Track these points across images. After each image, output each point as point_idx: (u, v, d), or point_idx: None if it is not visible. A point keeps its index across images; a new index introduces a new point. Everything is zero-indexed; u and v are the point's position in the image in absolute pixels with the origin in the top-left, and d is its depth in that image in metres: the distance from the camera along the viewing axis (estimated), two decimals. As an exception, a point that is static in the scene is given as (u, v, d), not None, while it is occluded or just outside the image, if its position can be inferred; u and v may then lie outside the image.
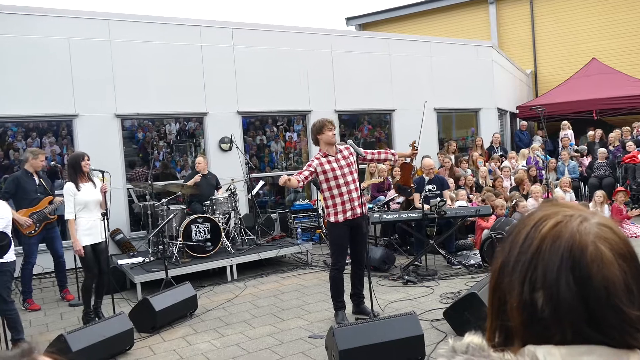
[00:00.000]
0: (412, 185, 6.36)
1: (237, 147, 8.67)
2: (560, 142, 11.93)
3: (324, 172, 4.88)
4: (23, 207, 6.03)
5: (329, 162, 4.92)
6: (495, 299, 0.76)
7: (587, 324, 0.68)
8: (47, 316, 5.91)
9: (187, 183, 7.49)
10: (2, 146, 8.06)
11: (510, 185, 9.40)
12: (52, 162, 6.73)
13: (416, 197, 7.49)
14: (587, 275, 0.68)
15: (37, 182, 6.16)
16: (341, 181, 4.89)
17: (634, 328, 0.68)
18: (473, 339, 0.68)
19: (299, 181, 4.75)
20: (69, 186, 5.12)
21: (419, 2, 18.21)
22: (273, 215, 9.46)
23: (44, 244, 6.39)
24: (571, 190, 9.25)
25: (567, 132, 12.30)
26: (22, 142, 8.18)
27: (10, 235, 4.60)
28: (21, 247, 6.19)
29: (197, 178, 7.55)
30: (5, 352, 0.76)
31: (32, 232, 6.07)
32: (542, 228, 0.74)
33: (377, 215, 7.04)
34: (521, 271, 0.72)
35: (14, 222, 5.94)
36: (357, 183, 4.97)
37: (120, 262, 7.00)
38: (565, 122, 12.52)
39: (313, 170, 4.89)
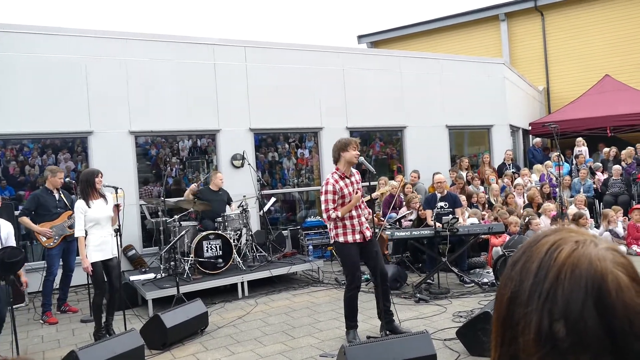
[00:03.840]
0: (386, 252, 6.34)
1: (249, 164, 8.72)
2: (574, 159, 11.83)
3: (343, 196, 4.81)
4: (44, 221, 6.32)
5: (346, 185, 4.85)
6: (504, 330, 0.73)
7: (610, 354, 0.66)
8: (59, 332, 5.93)
9: (185, 194, 7.60)
10: (18, 162, 8.20)
11: (524, 202, 9.32)
12: (67, 179, 6.85)
13: (428, 214, 7.45)
14: (610, 304, 0.66)
15: (58, 197, 6.45)
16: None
17: None
18: None
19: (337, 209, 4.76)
20: (80, 204, 5.17)
21: (430, 20, 18.33)
22: (284, 232, 9.46)
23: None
24: (586, 208, 9.15)
25: (581, 149, 12.19)
26: (38, 158, 8.32)
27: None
28: (43, 261, 6.41)
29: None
30: None
31: (51, 244, 6.28)
32: (557, 256, 0.71)
33: (389, 233, 7.01)
34: (538, 302, 0.69)
35: (36, 235, 6.13)
36: (364, 206, 4.99)
37: (132, 278, 7.02)
38: (580, 138, 12.41)
39: (337, 197, 4.79)
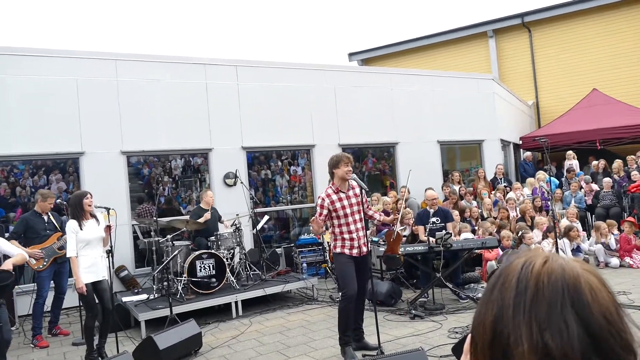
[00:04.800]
0: (399, 254, 6.22)
1: (241, 182, 8.71)
2: (565, 172, 11.93)
3: (335, 209, 4.95)
4: (34, 244, 6.24)
5: (340, 199, 4.96)
6: (493, 352, 0.73)
7: (595, 354, 0.68)
8: (50, 356, 5.83)
9: (198, 220, 7.48)
10: (9, 184, 8.14)
11: (516, 216, 9.36)
12: (58, 200, 6.80)
13: (421, 230, 7.46)
14: (586, 303, 0.70)
15: (47, 220, 6.40)
16: (350, 219, 4.94)
17: (631, 352, 0.70)
18: None
19: (321, 220, 4.92)
20: (72, 224, 5.14)
21: (420, 37, 18.58)
22: (278, 250, 9.42)
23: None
24: (577, 221, 9.20)
25: (572, 162, 12.31)
26: (29, 179, 8.27)
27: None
28: (34, 284, 6.33)
29: (207, 216, 7.55)
30: None
31: (41, 266, 6.20)
32: (532, 268, 0.75)
33: (383, 249, 7.00)
34: (524, 313, 0.71)
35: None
36: (363, 222, 5.01)
37: (124, 299, 6.95)
38: (570, 152, 12.54)
39: (326, 212, 4.95)
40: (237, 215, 7.90)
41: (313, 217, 4.95)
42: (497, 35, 17.32)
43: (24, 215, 6.53)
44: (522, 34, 16.92)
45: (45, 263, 6.23)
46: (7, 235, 6.72)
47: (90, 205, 5.27)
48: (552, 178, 10.09)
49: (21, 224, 6.29)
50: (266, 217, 8.67)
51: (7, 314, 4.77)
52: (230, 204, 8.67)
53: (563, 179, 11.71)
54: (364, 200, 5.09)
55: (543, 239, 8.24)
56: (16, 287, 6.67)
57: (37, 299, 6.24)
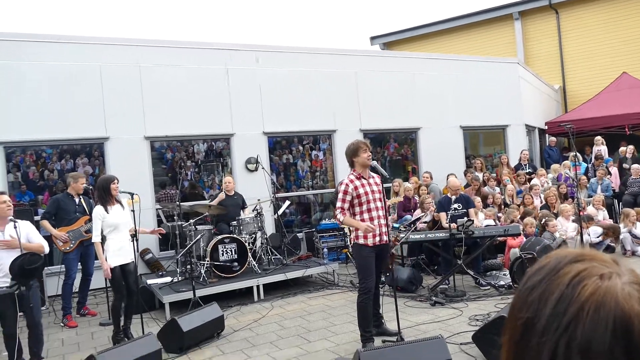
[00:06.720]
0: (390, 267, 6.25)
1: (262, 168, 8.76)
2: (592, 158, 11.66)
3: (358, 195, 4.84)
4: (62, 226, 6.43)
5: (362, 185, 4.88)
6: (517, 352, 0.73)
7: None
8: (79, 335, 6.02)
9: (212, 202, 7.60)
10: (38, 167, 8.36)
11: (540, 203, 9.22)
12: (84, 185, 6.96)
13: (442, 216, 7.42)
14: (637, 346, 0.66)
15: (77, 202, 6.58)
16: (372, 205, 4.86)
17: None
18: None
19: (344, 214, 4.83)
20: (98, 209, 5.25)
21: (443, 20, 18.23)
22: (299, 235, 9.48)
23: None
24: (604, 209, 9.02)
25: (600, 148, 12.00)
26: (57, 163, 8.47)
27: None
28: (61, 265, 6.55)
29: (221, 196, 7.66)
30: None
31: (68, 248, 6.40)
32: (580, 291, 0.69)
33: (404, 235, 6.99)
34: (555, 334, 0.68)
35: (53, 239, 6.25)
36: (384, 210, 4.97)
37: (149, 281, 7.10)
38: (599, 137, 12.23)
39: (350, 198, 4.85)
40: (258, 200, 7.96)
41: (339, 209, 4.85)
42: (523, 17, 16.89)
43: (56, 196, 6.75)
44: (549, 15, 16.46)
45: (72, 245, 6.42)
46: (37, 217, 6.96)
47: (116, 190, 5.37)
48: (582, 163, 9.86)
49: (53, 204, 6.50)
50: (287, 202, 8.72)
51: (39, 296, 4.92)
52: (252, 189, 8.73)
53: (589, 165, 11.46)
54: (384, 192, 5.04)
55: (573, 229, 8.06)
56: (45, 268, 6.87)
57: (65, 280, 6.45)
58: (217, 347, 5.22)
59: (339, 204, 4.86)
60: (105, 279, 5.55)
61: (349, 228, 5.06)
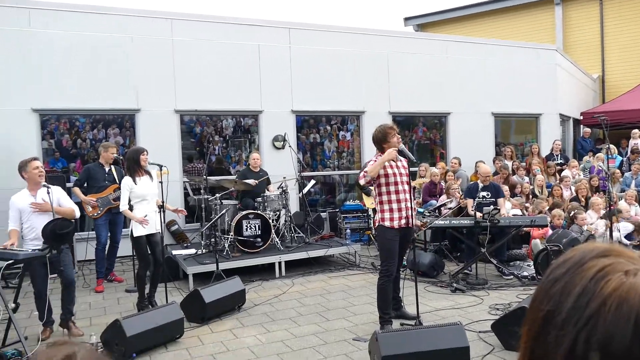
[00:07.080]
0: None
1: (289, 146, 8.78)
2: (629, 151, 11.30)
3: (386, 175, 4.80)
4: (92, 193, 6.71)
5: (391, 166, 4.84)
6: (535, 344, 0.72)
7: None
8: (106, 300, 6.22)
9: (245, 181, 7.64)
10: (71, 135, 8.56)
11: (570, 195, 9.02)
12: (114, 155, 7.12)
13: (469, 203, 7.33)
14: None
15: (107, 171, 6.83)
16: (400, 187, 4.83)
17: None
18: None
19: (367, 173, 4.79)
20: (127, 180, 5.36)
21: (481, 2, 17.72)
22: (323, 214, 9.52)
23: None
24: (637, 204, 8.77)
25: (637, 141, 11.61)
26: (89, 132, 8.66)
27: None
28: (88, 232, 6.92)
29: (252, 183, 7.64)
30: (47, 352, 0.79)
31: (96, 214, 6.67)
32: (604, 285, 0.67)
33: (428, 220, 6.95)
34: (575, 327, 0.67)
35: (83, 205, 6.46)
36: (410, 194, 4.93)
37: (174, 252, 7.27)
38: (636, 130, 11.81)
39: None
40: (284, 178, 8.00)
41: (365, 169, 4.84)
42: (565, 2, 16.29)
43: (88, 165, 7.06)
44: (593, 1, 15.83)
45: (100, 211, 6.66)
46: (69, 184, 7.18)
47: (145, 162, 5.47)
48: (617, 156, 9.56)
49: (84, 173, 6.81)
50: (313, 181, 8.74)
51: (70, 257, 5.10)
52: (278, 166, 8.77)
53: (624, 159, 11.12)
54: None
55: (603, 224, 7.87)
56: (75, 234, 7.09)
57: (96, 245, 6.75)
58: (238, 320, 5.33)
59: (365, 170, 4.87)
60: (132, 247, 5.70)
61: (373, 210, 5.04)
